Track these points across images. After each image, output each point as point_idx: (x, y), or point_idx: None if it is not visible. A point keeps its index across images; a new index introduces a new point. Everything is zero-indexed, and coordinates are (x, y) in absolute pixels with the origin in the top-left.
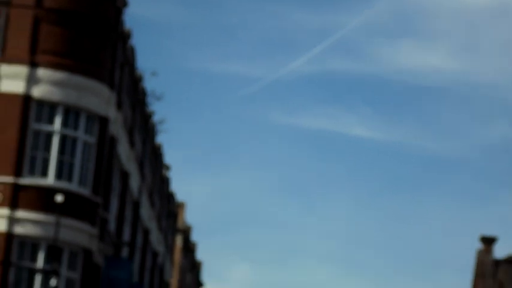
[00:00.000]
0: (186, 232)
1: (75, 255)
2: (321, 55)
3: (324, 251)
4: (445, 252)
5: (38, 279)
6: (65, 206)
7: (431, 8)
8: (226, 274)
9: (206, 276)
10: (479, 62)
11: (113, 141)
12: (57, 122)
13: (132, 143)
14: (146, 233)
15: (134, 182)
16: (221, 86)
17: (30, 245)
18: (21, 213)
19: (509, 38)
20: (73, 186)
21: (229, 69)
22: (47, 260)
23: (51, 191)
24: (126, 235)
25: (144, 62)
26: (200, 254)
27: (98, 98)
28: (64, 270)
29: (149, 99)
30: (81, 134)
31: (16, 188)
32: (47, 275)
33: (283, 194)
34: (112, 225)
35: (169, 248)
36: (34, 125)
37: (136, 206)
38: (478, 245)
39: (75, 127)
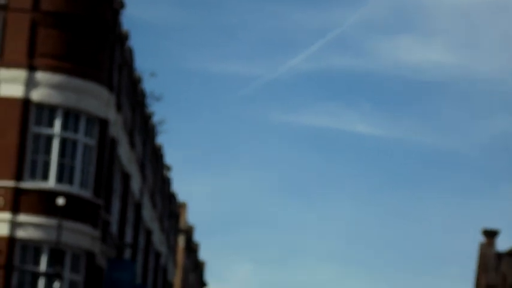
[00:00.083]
0: (188, 232)
1: (78, 258)
2: (320, 52)
3: (326, 250)
4: (448, 247)
5: (41, 283)
6: (66, 208)
7: (430, 4)
8: (229, 274)
9: (209, 276)
10: (478, 58)
11: (113, 143)
12: (57, 125)
13: (132, 145)
14: (148, 234)
15: (135, 184)
16: (220, 86)
17: (32, 249)
18: (22, 217)
19: (508, 33)
20: (74, 189)
21: (228, 69)
22: (50, 263)
23: (52, 194)
24: (128, 237)
25: (142, 63)
26: (203, 254)
27: (97, 100)
28: (67, 273)
29: (148, 100)
30: (81, 137)
31: (17, 192)
32: (50, 278)
33: (285, 193)
34: (114, 227)
35: (172, 249)
36: (34, 129)
37: (138, 207)
38: (481, 239)
39: (75, 130)
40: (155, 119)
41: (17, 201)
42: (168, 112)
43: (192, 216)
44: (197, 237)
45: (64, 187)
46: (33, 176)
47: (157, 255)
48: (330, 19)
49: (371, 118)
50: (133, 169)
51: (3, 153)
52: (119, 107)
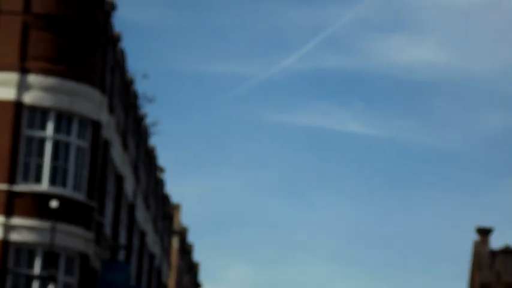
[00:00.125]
0: (182, 234)
1: (72, 260)
2: (313, 52)
3: (321, 249)
4: (442, 245)
5: (35, 286)
6: (60, 211)
7: (423, 3)
8: (224, 274)
9: (204, 277)
10: (471, 56)
11: (106, 145)
12: (50, 127)
13: (125, 146)
14: (142, 235)
15: (129, 185)
16: (213, 86)
17: (26, 252)
18: (16, 220)
19: (500, 29)
20: (67, 192)
21: (220, 70)
22: (44, 266)
23: (45, 197)
24: (122, 238)
25: (134, 65)
26: (197, 255)
27: (89, 102)
28: (61, 276)
29: (141, 102)
30: (74, 139)
31: (11, 195)
32: (44, 281)
33: (279, 193)
34: (108, 229)
35: (166, 250)
36: (26, 132)
37: (131, 209)
38: (475, 237)
39: (68, 132)
40: (148, 120)
41: (11, 204)
42: (160, 114)
43: (186, 217)
44: (191, 238)
45: (57, 190)
46: (26, 179)
47: (152, 256)
48: (323, 18)
49: (364, 117)
50: (126, 171)
51: None
52: (111, 109)
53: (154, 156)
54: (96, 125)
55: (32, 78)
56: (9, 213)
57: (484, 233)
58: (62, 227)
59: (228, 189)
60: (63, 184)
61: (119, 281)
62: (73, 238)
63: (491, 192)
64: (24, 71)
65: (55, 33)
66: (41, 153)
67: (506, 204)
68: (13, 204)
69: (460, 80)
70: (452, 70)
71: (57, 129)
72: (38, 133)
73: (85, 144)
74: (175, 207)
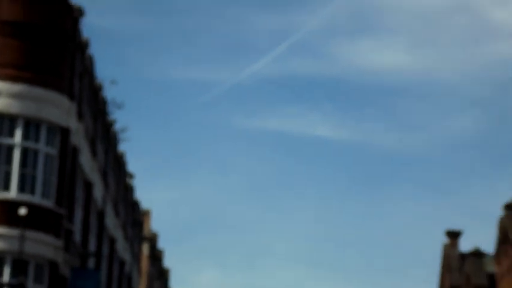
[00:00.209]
0: (153, 240)
1: (41, 267)
2: (281, 57)
3: (291, 253)
4: (412, 248)
5: None
6: (28, 218)
7: (388, 6)
8: (195, 280)
9: (174, 283)
10: (437, 59)
11: (75, 152)
12: (18, 134)
13: (94, 153)
14: (112, 242)
15: (98, 192)
16: (181, 92)
17: None
18: None
19: (466, 33)
20: (36, 199)
21: (189, 75)
22: (13, 274)
23: (14, 205)
24: (92, 245)
25: (103, 72)
26: (167, 261)
27: (58, 109)
28: (30, 284)
29: (110, 108)
30: (42, 146)
31: None
32: None
33: (248, 198)
34: (77, 236)
35: (136, 257)
36: None
37: (101, 215)
38: (444, 239)
39: (36, 139)
40: (117, 126)
41: None
42: (130, 120)
43: (156, 223)
44: (161, 244)
45: (26, 197)
46: None
47: (122, 263)
48: (291, 23)
49: (332, 121)
50: (95, 177)
51: None
52: (80, 116)
53: (123, 163)
54: (64, 132)
55: (0, 85)
56: None
57: (453, 235)
58: (31, 234)
59: (197, 195)
60: (32, 191)
61: None
62: (42, 246)
63: (460, 195)
64: None
65: (22, 39)
66: (9, 161)
67: (475, 207)
68: None
69: (427, 83)
70: (419, 74)
71: (25, 136)
72: (6, 140)
73: (53, 151)
74: (145, 213)
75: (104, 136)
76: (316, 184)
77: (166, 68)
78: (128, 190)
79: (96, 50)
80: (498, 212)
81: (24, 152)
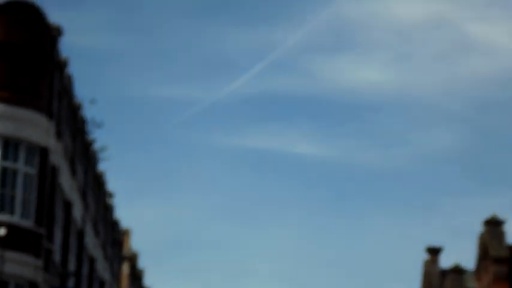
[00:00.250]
0: (133, 259)
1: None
2: (261, 74)
3: (272, 271)
4: (393, 265)
5: None
6: (8, 239)
7: (367, 22)
8: None
9: None
10: (414, 74)
11: (54, 172)
12: None
13: (73, 172)
14: (92, 262)
15: (77, 211)
16: (161, 110)
17: None
18: None
19: (444, 48)
20: (15, 219)
21: (168, 93)
22: None
23: None
24: (72, 265)
25: (83, 91)
26: (148, 281)
27: (37, 128)
28: None
29: (89, 127)
30: (21, 166)
31: None
32: None
33: (229, 216)
34: (57, 256)
35: (116, 276)
36: None
37: (80, 235)
38: (425, 256)
39: (15, 159)
40: (96, 146)
41: None
42: (109, 139)
43: (136, 242)
44: (141, 263)
45: (5, 217)
46: None
47: (102, 283)
48: (268, 41)
49: (312, 138)
50: (75, 197)
51: None
52: (59, 135)
53: (103, 182)
54: (43, 152)
55: None
56: None
57: (434, 252)
58: (11, 254)
59: (178, 213)
60: (11, 211)
61: None
62: (22, 266)
63: (440, 211)
64: None
65: (0, 59)
66: None
67: (455, 223)
68: None
69: (404, 99)
70: (398, 90)
71: (4, 156)
72: None
73: (32, 170)
74: (125, 233)
75: (83, 155)
76: (297, 202)
77: (145, 86)
78: (108, 209)
79: (75, 69)
80: (478, 228)
81: (3, 172)
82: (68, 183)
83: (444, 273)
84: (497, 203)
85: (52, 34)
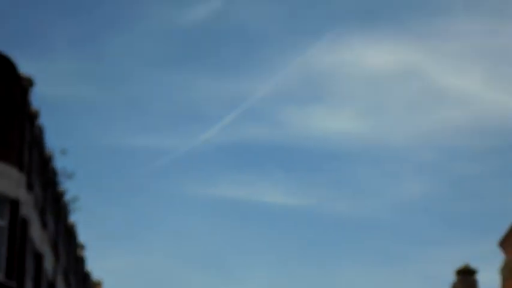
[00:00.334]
0: None
1: None
2: (232, 124)
3: None
4: None
5: None
6: None
7: (339, 73)
8: None
9: None
10: (385, 124)
11: (24, 224)
12: None
13: (44, 224)
14: None
15: (48, 263)
16: (133, 160)
17: None
18: None
19: (415, 99)
20: None
21: (140, 143)
22: None
23: None
24: None
25: (54, 141)
26: None
27: (7, 180)
28: None
29: (60, 178)
30: None
31: None
32: None
33: (202, 265)
34: None
35: None
36: None
37: (51, 287)
38: None
39: None
40: (67, 197)
41: None
42: (80, 189)
43: None
44: None
45: None
46: None
47: None
48: (240, 90)
49: (284, 187)
50: (46, 249)
51: None
52: (29, 186)
53: (74, 233)
54: (14, 204)
55: None
56: None
57: None
58: None
59: (150, 264)
60: None
61: None
62: None
63: (411, 261)
64: None
65: None
66: None
67: (427, 272)
68: None
69: (376, 149)
70: (368, 139)
71: None
72: None
73: (3, 223)
74: (97, 284)
75: (54, 206)
76: (269, 251)
77: (117, 135)
78: (79, 261)
79: (46, 119)
80: (451, 277)
81: None
82: (38, 235)
83: None
84: (469, 252)
85: (23, 85)
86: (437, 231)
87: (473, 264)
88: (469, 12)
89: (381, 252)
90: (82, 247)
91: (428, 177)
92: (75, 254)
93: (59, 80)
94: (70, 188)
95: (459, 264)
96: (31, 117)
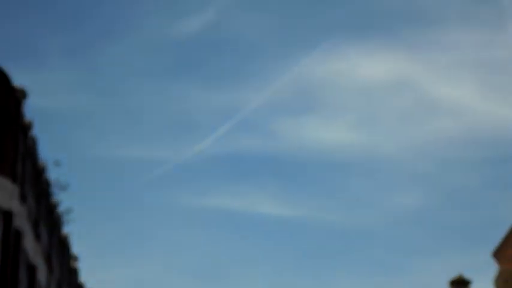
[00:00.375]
0: None
1: None
2: (226, 135)
3: None
4: None
5: None
6: None
7: (332, 84)
8: None
9: None
10: (378, 135)
11: (17, 235)
12: None
13: (37, 236)
14: None
15: (42, 275)
16: (127, 171)
17: None
18: None
19: (408, 109)
20: None
21: (134, 154)
22: None
23: None
24: None
25: (47, 153)
26: None
27: (0, 191)
28: None
29: (54, 190)
30: None
31: None
32: None
33: (197, 276)
34: None
35: None
36: None
37: None
38: None
39: None
40: (61, 208)
41: None
42: (74, 201)
43: None
44: None
45: None
46: None
47: None
48: (234, 101)
49: (278, 198)
50: (39, 261)
51: None
52: (23, 198)
53: (67, 245)
54: (7, 215)
55: None
56: None
57: None
58: None
59: (144, 275)
60: None
61: None
62: None
63: (405, 272)
64: None
65: None
66: None
67: (422, 283)
68: None
69: (370, 159)
70: (362, 150)
71: None
72: None
73: None
74: None
75: (48, 218)
76: (263, 262)
77: (110, 147)
78: (72, 273)
79: (40, 131)
80: None
81: None
82: (31, 247)
83: None
84: (463, 262)
85: (16, 96)
86: (431, 242)
87: (467, 275)
88: (463, 23)
89: (375, 263)
90: (75, 259)
91: (421, 188)
92: (68, 266)
93: (52, 91)
94: (63, 200)
95: (453, 274)
96: (24, 128)
